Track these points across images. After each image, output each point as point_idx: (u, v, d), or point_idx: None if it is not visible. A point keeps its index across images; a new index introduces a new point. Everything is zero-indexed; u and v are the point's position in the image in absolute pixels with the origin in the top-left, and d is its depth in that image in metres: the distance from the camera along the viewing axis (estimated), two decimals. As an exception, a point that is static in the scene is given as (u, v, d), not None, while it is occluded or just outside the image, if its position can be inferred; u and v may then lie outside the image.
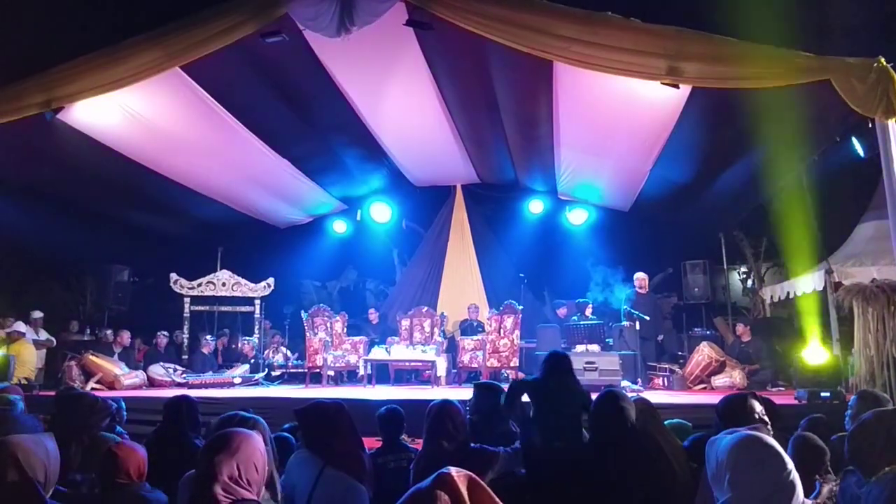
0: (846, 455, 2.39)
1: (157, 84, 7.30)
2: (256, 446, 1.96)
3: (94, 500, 2.63)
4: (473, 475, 1.36)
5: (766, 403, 3.41)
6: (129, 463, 2.64)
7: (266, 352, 10.94)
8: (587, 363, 8.05)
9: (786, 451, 1.96)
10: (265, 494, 2.20)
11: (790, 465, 1.84)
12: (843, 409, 4.02)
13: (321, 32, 6.51)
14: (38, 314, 9.82)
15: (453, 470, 1.34)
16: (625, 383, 8.11)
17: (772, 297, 10.37)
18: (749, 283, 12.34)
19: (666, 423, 3.85)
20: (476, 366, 9.61)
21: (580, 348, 8.83)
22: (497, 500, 1.35)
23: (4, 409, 3.73)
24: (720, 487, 1.89)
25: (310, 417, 2.75)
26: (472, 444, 3.04)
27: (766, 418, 2.94)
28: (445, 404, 3.12)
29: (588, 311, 10.15)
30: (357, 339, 10.26)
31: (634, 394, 5.56)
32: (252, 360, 10.47)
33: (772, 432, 2.29)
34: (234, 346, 11.15)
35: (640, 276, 10.01)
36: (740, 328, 9.49)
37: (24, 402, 4.27)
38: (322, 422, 2.71)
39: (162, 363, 9.80)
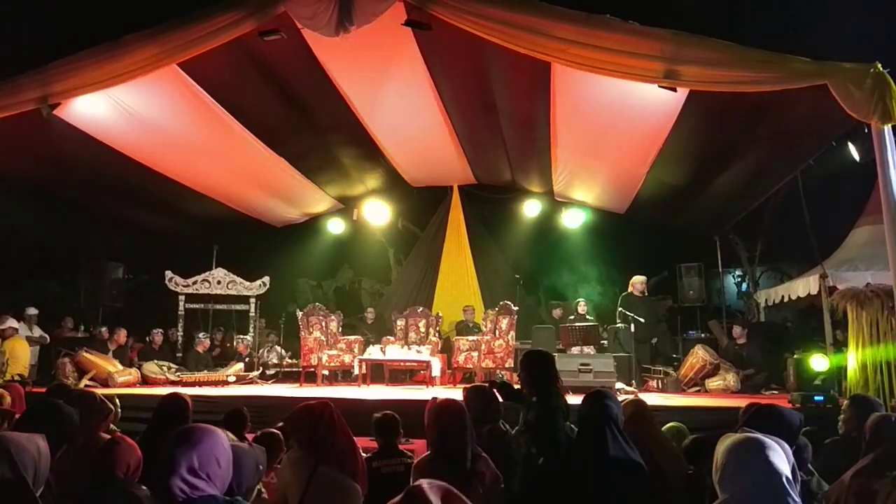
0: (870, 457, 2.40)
1: (154, 81, 7.28)
2: (219, 441, 1.93)
3: (84, 495, 2.61)
4: (448, 486, 1.33)
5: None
6: (129, 457, 2.62)
7: (261, 351, 10.93)
8: (582, 365, 8.06)
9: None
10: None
11: (784, 469, 1.83)
12: (836, 413, 4.03)
13: (319, 31, 6.50)
14: (32, 311, 9.80)
15: (425, 483, 1.32)
16: (619, 385, 8.12)
17: (766, 301, 10.39)
18: (744, 286, 12.37)
19: (664, 427, 3.86)
20: (471, 366, 9.60)
21: (575, 350, 8.84)
22: None
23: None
24: (718, 487, 1.90)
25: (298, 420, 2.75)
26: (482, 454, 2.98)
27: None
28: (449, 403, 3.08)
29: (581, 308, 10.17)
30: (352, 338, 10.24)
31: (629, 395, 5.58)
32: (246, 359, 10.45)
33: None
34: (228, 344, 11.12)
35: (639, 279, 10.00)
36: (737, 330, 9.51)
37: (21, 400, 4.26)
38: (311, 423, 2.71)
39: (156, 361, 9.78)
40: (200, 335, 10.55)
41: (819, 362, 7.63)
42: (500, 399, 4.09)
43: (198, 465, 1.84)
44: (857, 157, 6.54)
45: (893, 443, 2.62)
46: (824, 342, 7.93)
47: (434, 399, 3.11)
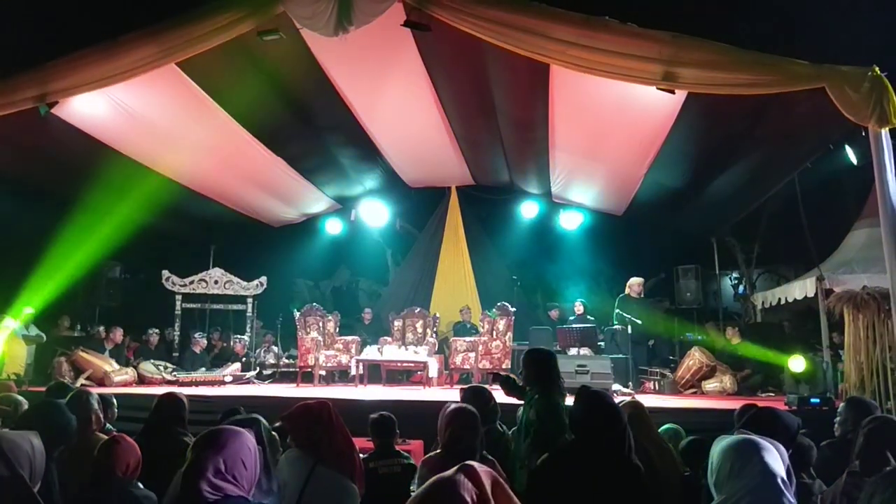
0: (857, 453, 2.41)
1: (152, 80, 7.26)
2: (245, 442, 1.97)
3: (83, 493, 2.61)
4: (496, 474, 1.37)
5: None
6: (129, 456, 2.63)
7: (258, 350, 10.91)
8: (579, 366, 8.06)
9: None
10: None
11: (779, 469, 1.84)
12: (832, 416, 4.03)
13: (318, 31, 6.49)
14: (28, 309, 9.75)
15: (476, 464, 1.35)
16: (616, 387, 8.13)
17: (763, 303, 10.41)
18: (741, 288, 12.40)
19: (661, 429, 3.86)
20: (468, 367, 9.60)
21: (572, 351, 8.85)
22: (517, 502, 1.35)
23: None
24: (714, 489, 1.90)
25: (296, 419, 2.75)
26: (489, 457, 3.04)
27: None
28: (464, 409, 3.11)
29: (578, 308, 10.15)
30: (349, 338, 10.24)
31: (626, 397, 5.58)
32: (243, 359, 10.43)
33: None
34: (225, 344, 11.11)
35: (636, 281, 9.98)
36: (729, 331, 9.52)
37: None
38: (309, 422, 2.71)
39: (153, 360, 9.76)
40: (196, 335, 10.53)
41: (797, 364, 7.68)
42: (504, 392, 4.11)
43: (224, 467, 1.87)
44: (854, 160, 6.56)
45: (881, 444, 2.62)
46: (821, 345, 7.95)
47: (449, 405, 3.17)
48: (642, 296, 9.99)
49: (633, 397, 5.24)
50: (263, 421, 2.68)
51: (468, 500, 1.26)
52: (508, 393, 4.10)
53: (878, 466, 2.29)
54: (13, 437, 2.07)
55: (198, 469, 1.85)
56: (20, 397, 4.08)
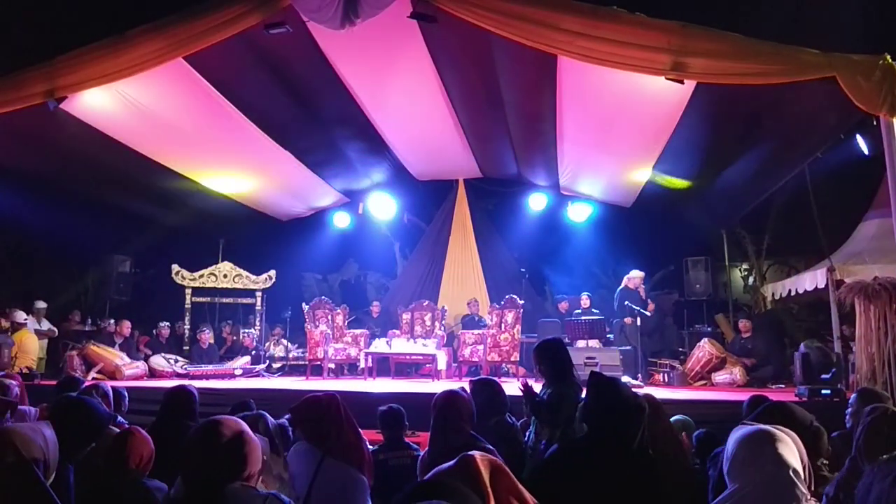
0: (855, 444, 2.40)
1: (160, 74, 7.28)
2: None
3: (95, 483, 2.63)
4: (498, 460, 1.37)
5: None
6: (143, 449, 2.65)
7: (267, 344, 10.96)
8: (587, 358, 8.05)
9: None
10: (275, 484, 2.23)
11: (793, 461, 1.83)
12: (843, 407, 4.01)
13: (325, 24, 6.49)
14: (41, 304, 9.85)
15: (477, 454, 1.35)
16: (625, 379, 8.12)
17: (773, 295, 10.36)
18: (751, 280, 12.33)
19: (671, 420, 3.85)
20: (477, 360, 9.61)
21: (581, 343, 8.84)
22: (521, 487, 1.36)
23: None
24: (727, 477, 1.90)
25: (305, 412, 2.76)
26: (486, 444, 3.00)
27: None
28: (452, 395, 3.08)
29: (584, 301, 10.11)
30: (358, 331, 10.27)
31: (636, 389, 5.57)
32: (253, 352, 10.48)
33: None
34: (235, 338, 11.17)
35: (637, 274, 9.83)
36: (745, 324, 9.46)
37: (23, 391, 4.29)
38: (317, 414, 2.72)
39: (163, 354, 9.82)
40: (198, 329, 10.57)
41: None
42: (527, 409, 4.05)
43: None
44: (865, 150, 6.50)
45: (881, 434, 2.60)
46: (831, 336, 7.90)
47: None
48: (639, 289, 9.79)
49: (641, 389, 5.22)
50: (268, 416, 2.69)
51: (463, 489, 1.27)
52: (531, 410, 3.97)
53: (877, 457, 2.27)
54: (24, 432, 2.08)
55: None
56: (9, 381, 4.11)
